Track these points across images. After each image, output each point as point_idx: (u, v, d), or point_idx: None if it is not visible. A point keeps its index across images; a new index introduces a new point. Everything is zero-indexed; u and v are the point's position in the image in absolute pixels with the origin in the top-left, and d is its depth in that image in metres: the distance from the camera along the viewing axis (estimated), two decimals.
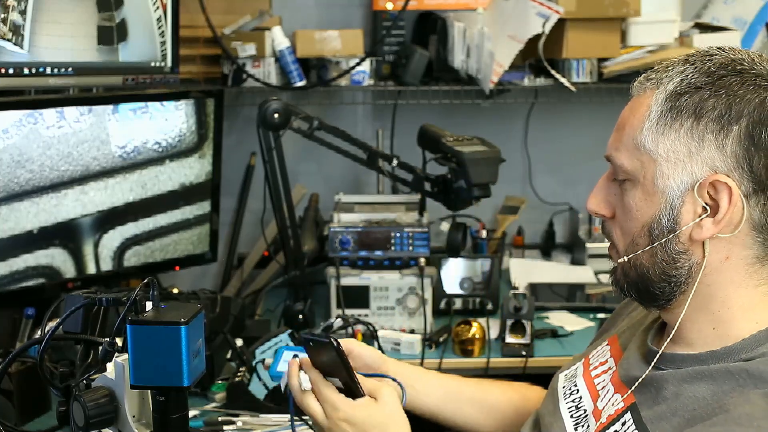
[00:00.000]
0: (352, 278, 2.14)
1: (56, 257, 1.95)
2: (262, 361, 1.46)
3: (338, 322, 2.00)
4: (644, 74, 1.07)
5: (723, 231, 0.99)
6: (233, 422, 1.65)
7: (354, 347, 1.34)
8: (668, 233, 1.02)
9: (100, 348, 1.16)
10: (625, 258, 1.07)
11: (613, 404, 1.09)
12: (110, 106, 1.96)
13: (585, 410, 1.15)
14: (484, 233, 2.44)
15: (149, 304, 1.07)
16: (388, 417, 1.17)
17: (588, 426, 1.11)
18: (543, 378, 1.47)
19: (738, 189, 0.98)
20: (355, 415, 1.15)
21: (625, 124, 1.06)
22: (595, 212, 1.11)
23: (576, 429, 1.14)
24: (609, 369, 1.19)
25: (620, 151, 1.05)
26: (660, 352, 1.06)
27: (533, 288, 2.37)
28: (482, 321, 2.09)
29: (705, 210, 1.00)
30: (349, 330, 1.99)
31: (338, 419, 1.15)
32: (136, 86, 2.03)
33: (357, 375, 1.19)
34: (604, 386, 1.15)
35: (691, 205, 1.01)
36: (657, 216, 1.03)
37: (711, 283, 1.02)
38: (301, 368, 1.21)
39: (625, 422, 1.04)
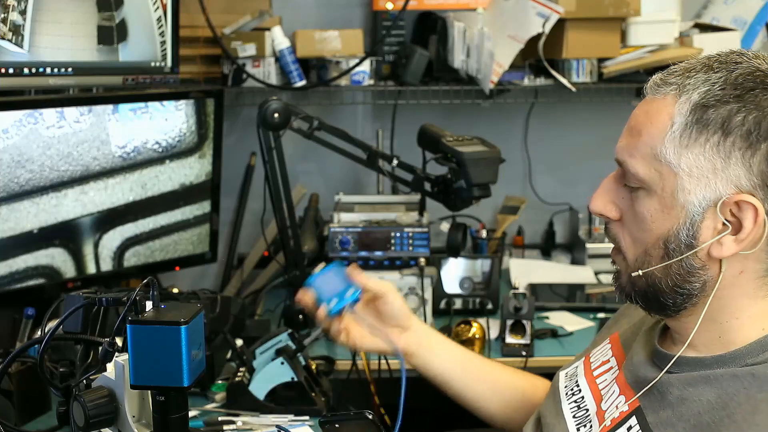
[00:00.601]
0: None
1: (56, 257, 1.95)
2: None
3: None
4: (661, 75, 1.03)
5: (744, 249, 0.98)
6: (233, 422, 1.65)
7: (388, 294, 1.42)
8: (686, 249, 0.99)
9: (100, 348, 1.16)
10: (640, 272, 1.04)
11: (617, 407, 1.08)
12: (110, 106, 1.96)
13: (587, 410, 1.15)
14: (484, 233, 2.44)
15: (149, 304, 1.07)
16: None
17: (591, 427, 1.11)
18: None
19: (763, 208, 0.95)
20: None
21: (642, 130, 1.02)
22: (600, 214, 1.08)
23: (578, 429, 1.14)
24: (611, 369, 1.18)
25: (635, 159, 1.02)
26: (675, 358, 1.04)
27: (533, 288, 2.37)
28: (482, 321, 2.09)
29: (725, 226, 0.97)
30: None
31: None
32: (136, 86, 2.03)
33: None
34: (608, 387, 1.14)
35: (711, 221, 0.98)
36: (675, 230, 1.00)
37: (723, 296, 1.01)
38: None
39: (630, 427, 1.04)
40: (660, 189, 1.00)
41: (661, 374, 1.03)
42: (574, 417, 1.16)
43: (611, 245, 1.11)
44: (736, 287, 1.01)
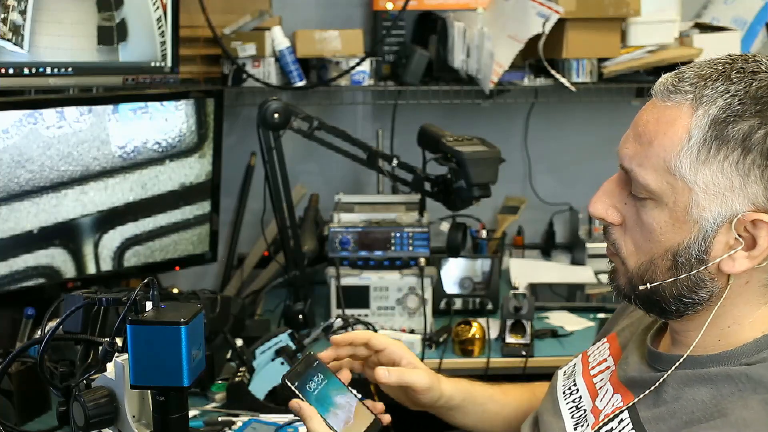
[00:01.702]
0: (352, 278, 2.14)
1: (56, 257, 1.95)
2: None
3: (338, 322, 2.00)
4: (673, 81, 0.99)
5: (756, 264, 0.97)
6: (233, 422, 1.65)
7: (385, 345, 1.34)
8: (696, 263, 0.98)
9: (100, 348, 1.16)
10: (648, 286, 1.02)
11: (613, 405, 1.09)
12: (110, 106, 1.96)
13: (585, 410, 1.15)
14: (484, 233, 2.44)
15: (149, 304, 1.07)
16: None
17: (587, 424, 1.12)
18: (543, 378, 1.47)
19: None
20: None
21: (653, 139, 0.98)
22: (601, 218, 1.06)
23: (576, 429, 1.14)
24: (608, 368, 1.18)
25: (645, 169, 0.99)
26: (680, 362, 1.03)
27: (533, 288, 2.37)
28: (482, 321, 2.09)
29: (737, 242, 0.96)
30: (349, 330, 1.99)
31: None
32: (136, 86, 2.03)
33: None
34: (603, 386, 1.15)
35: (724, 236, 0.96)
36: (685, 244, 0.98)
37: (726, 305, 1.01)
38: None
39: (621, 420, 1.04)
40: (672, 202, 0.98)
41: (665, 376, 1.03)
42: (572, 417, 1.16)
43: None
44: (740, 296, 1.00)
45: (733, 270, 0.97)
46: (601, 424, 1.07)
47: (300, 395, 1.20)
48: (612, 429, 1.05)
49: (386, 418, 1.28)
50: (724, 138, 0.94)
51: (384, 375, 1.30)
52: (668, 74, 1.01)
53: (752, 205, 0.94)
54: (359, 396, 1.28)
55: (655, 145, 0.98)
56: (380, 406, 1.29)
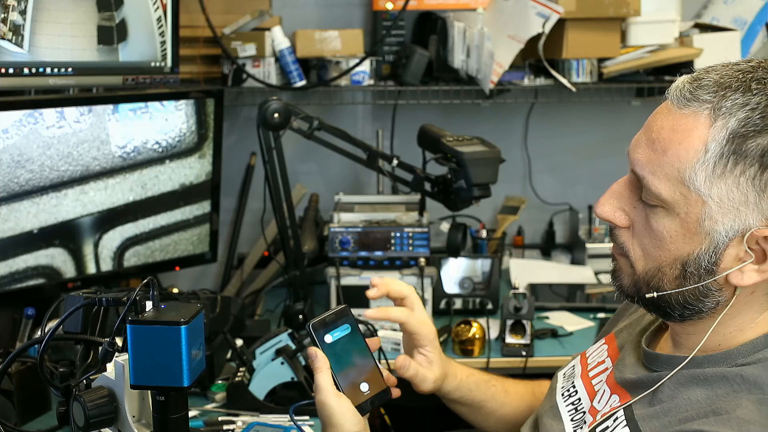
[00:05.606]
0: (352, 278, 2.13)
1: (56, 257, 1.95)
2: None
3: None
4: (690, 87, 0.97)
5: (765, 279, 0.97)
6: (233, 422, 1.65)
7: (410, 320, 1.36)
8: (705, 274, 0.97)
9: (100, 348, 1.16)
10: (655, 294, 1.01)
11: (611, 405, 1.09)
12: (110, 106, 1.96)
13: (584, 411, 1.16)
14: (484, 233, 2.44)
15: (149, 304, 1.07)
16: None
17: (585, 424, 1.12)
18: (543, 378, 1.47)
19: None
20: None
21: (667, 148, 0.96)
22: (608, 220, 1.05)
23: (575, 431, 1.14)
24: (606, 369, 1.19)
25: (658, 177, 0.97)
26: (682, 364, 1.03)
27: (533, 288, 2.37)
28: (482, 321, 2.09)
29: (747, 254, 0.95)
30: None
31: None
32: (136, 86, 2.03)
33: None
34: (601, 387, 1.15)
35: (734, 249, 0.96)
36: (695, 255, 0.97)
37: (731, 313, 1.01)
38: None
39: (617, 418, 1.05)
40: (684, 213, 0.97)
41: (663, 380, 1.03)
42: (572, 420, 1.17)
43: (611, 244, 1.09)
44: (745, 305, 1.01)
45: (742, 282, 0.97)
46: (597, 423, 1.07)
47: (319, 345, 1.19)
48: (607, 427, 1.05)
49: (396, 392, 1.28)
50: (742, 153, 0.92)
51: (403, 364, 1.35)
52: (685, 78, 0.99)
53: (765, 220, 0.94)
54: (379, 364, 1.26)
55: (669, 154, 0.96)
56: (394, 379, 1.29)
